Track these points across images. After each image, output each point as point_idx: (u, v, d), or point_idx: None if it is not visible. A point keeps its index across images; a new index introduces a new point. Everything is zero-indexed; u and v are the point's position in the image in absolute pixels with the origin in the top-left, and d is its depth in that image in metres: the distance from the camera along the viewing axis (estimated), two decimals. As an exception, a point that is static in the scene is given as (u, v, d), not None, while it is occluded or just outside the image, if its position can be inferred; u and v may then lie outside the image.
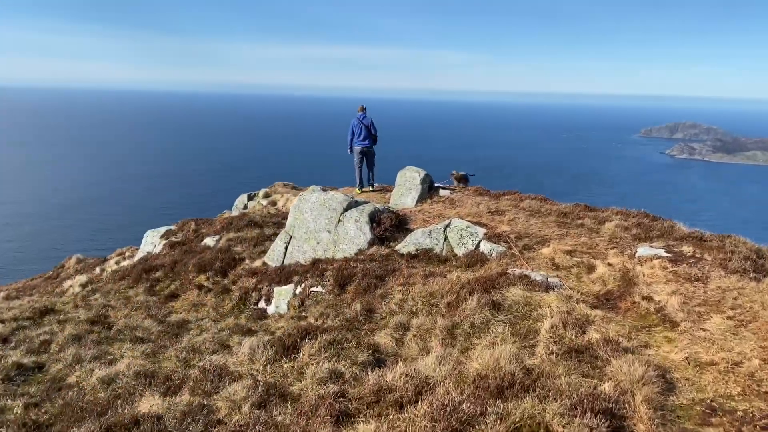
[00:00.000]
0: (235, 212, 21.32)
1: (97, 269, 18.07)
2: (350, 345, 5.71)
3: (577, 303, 7.09)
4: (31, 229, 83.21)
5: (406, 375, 5.31)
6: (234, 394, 5.78)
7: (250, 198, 22.13)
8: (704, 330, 6.11)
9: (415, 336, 7.19)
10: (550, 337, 6.04)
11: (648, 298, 7.11)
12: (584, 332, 6.19)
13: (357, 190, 17.52)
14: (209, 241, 14.77)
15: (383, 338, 7.52)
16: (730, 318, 6.29)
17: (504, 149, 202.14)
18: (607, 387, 4.97)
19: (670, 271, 7.78)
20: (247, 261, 12.92)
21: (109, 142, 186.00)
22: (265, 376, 6.40)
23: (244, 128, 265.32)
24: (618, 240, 9.85)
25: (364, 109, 16.91)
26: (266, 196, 21.27)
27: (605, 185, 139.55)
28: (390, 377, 5.40)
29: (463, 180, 16.32)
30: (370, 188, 17.51)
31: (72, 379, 7.57)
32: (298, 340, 5.81)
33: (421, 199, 15.01)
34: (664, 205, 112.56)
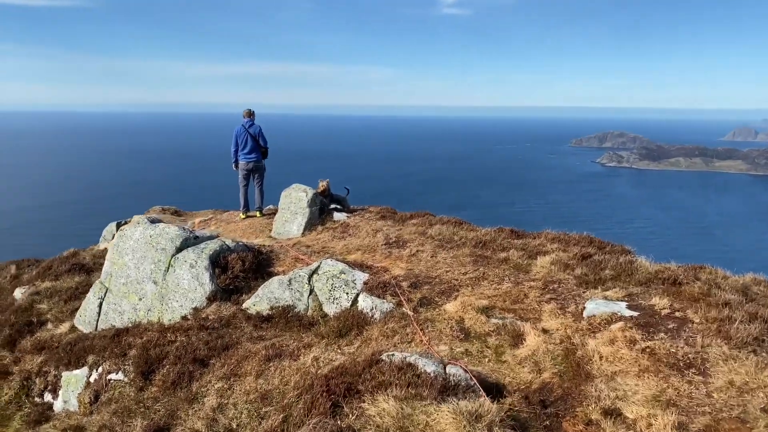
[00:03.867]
0: (102, 245, 17.29)
1: None
2: None
3: (491, 430, 3.84)
4: None
5: None
6: None
7: (119, 227, 18.10)
8: None
9: None
10: None
11: (613, 414, 3.94)
12: None
13: (241, 214, 14.04)
14: (18, 293, 10.84)
15: None
16: (777, 470, 3.19)
17: (438, 162, 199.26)
18: None
19: (643, 350, 4.67)
20: (50, 325, 9.12)
21: (18, 166, 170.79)
22: None
23: (161, 147, 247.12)
24: (557, 285, 6.71)
25: (251, 114, 13.47)
26: (137, 225, 17.33)
27: (540, 195, 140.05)
28: None
29: (336, 201, 12.54)
30: (258, 213, 14.04)
31: None
32: None
33: (309, 226, 11.62)
34: (597, 214, 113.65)
